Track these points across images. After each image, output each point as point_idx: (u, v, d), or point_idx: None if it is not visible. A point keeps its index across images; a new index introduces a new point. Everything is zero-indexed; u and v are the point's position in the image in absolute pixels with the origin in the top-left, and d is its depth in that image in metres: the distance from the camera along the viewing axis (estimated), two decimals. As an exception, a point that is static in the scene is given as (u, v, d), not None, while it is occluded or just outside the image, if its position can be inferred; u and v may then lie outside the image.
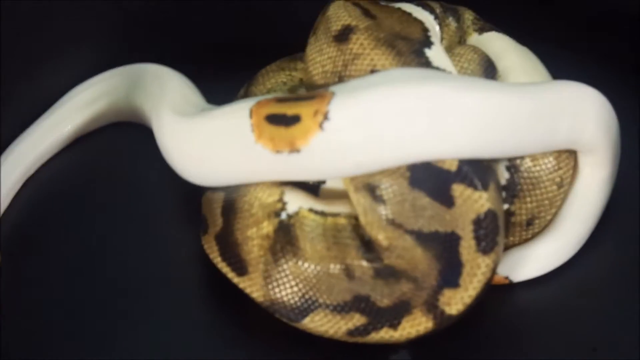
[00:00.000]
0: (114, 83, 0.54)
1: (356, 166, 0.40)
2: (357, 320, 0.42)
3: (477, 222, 0.41)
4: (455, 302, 0.41)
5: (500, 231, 0.41)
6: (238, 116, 0.42)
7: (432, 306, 0.41)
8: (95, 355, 0.44)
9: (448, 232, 0.41)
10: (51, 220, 0.50)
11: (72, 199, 0.51)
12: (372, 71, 0.42)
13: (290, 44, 0.50)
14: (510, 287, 0.45)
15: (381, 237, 0.41)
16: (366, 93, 0.40)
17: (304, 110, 0.40)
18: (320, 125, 0.39)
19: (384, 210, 0.41)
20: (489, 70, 0.46)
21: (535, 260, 0.45)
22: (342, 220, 0.43)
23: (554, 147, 0.43)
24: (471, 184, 0.40)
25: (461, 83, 0.40)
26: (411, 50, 0.43)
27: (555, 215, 0.45)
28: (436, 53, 0.44)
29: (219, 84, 0.53)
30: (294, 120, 0.40)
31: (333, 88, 0.41)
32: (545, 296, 0.45)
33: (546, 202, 0.45)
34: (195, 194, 0.47)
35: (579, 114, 0.43)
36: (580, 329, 0.43)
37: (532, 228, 0.45)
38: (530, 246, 0.45)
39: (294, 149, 0.40)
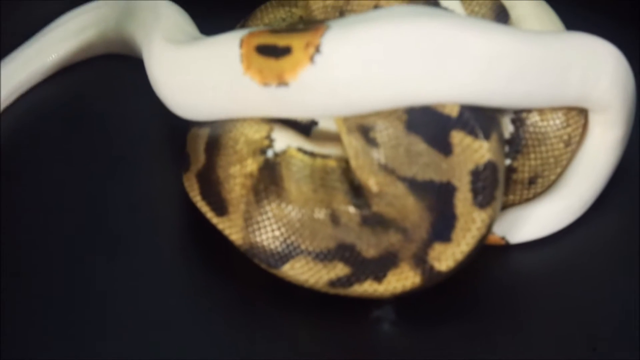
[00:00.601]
0: (104, 12, 0.51)
1: (347, 105, 0.38)
2: (339, 270, 0.39)
3: (476, 173, 0.38)
4: (445, 257, 0.39)
5: (499, 185, 0.39)
6: (228, 45, 0.39)
7: (420, 260, 0.39)
8: (70, 291, 0.41)
9: (443, 181, 0.38)
10: (28, 153, 0.48)
11: (53, 132, 0.49)
12: (376, 7, 0.40)
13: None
14: (506, 249, 0.42)
15: (372, 182, 0.38)
16: (363, 27, 0.37)
17: (295, 41, 0.38)
18: (311, 59, 0.37)
19: (376, 154, 0.38)
20: (501, 16, 0.43)
21: (535, 221, 0.42)
22: (332, 163, 0.40)
23: (563, 102, 0.40)
24: (472, 132, 0.38)
25: (467, 23, 0.37)
26: (419, -7, 0.40)
27: (560, 175, 0.43)
28: (446, -3, 0.41)
29: (215, 20, 0.51)
30: (284, 51, 0.38)
31: (330, 22, 0.38)
32: (543, 260, 0.42)
33: (551, 160, 0.42)
34: (183, 131, 0.45)
35: (592, 68, 0.40)
36: (577, 296, 0.41)
37: (534, 187, 0.43)
38: (530, 206, 0.42)
39: (282, 82, 0.38)
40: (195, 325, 0.40)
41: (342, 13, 0.41)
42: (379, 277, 0.39)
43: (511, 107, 0.39)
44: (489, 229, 0.39)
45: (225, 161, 0.40)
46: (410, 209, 0.38)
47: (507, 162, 0.42)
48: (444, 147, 0.38)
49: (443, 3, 0.40)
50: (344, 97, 0.37)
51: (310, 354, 0.39)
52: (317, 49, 0.37)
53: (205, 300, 0.41)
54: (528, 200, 0.43)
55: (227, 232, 0.40)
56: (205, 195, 0.41)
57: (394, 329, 0.40)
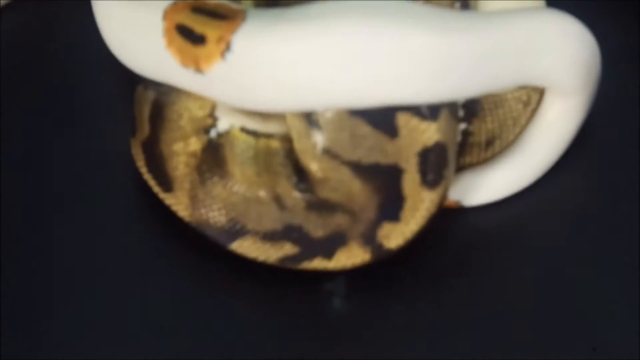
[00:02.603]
0: None
1: (258, 105, 0.36)
2: (288, 249, 0.39)
3: (423, 155, 0.37)
4: (395, 236, 0.38)
5: (449, 164, 0.37)
6: (152, 14, 0.38)
7: (369, 239, 0.38)
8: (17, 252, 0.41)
9: (390, 164, 0.37)
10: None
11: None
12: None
13: None
14: (460, 211, 0.42)
15: (315, 167, 0.37)
16: (277, 28, 0.35)
17: (210, 32, 0.36)
18: (222, 55, 0.35)
19: (319, 138, 0.37)
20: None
21: (490, 185, 0.41)
22: (275, 144, 0.39)
23: (522, 84, 0.38)
24: (418, 113, 0.36)
25: (406, 19, 0.34)
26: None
27: (518, 135, 0.41)
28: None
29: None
30: (199, 40, 0.36)
31: (249, 12, 0.36)
32: (496, 221, 0.42)
33: (509, 122, 0.41)
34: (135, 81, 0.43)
35: (552, 50, 0.37)
36: (532, 259, 0.40)
37: (491, 148, 0.41)
38: (486, 170, 0.41)
39: (198, 69, 0.36)
40: (148, 297, 0.40)
41: None
42: (328, 255, 0.39)
43: (469, 97, 0.37)
44: (439, 206, 0.38)
45: (169, 136, 0.39)
46: (356, 192, 0.37)
47: (463, 126, 0.40)
48: (390, 130, 0.36)
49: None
50: (253, 97, 0.36)
51: (262, 326, 0.39)
52: (228, 46, 0.35)
53: (158, 270, 0.41)
54: (486, 160, 0.42)
55: (174, 208, 0.40)
56: (150, 169, 0.40)
57: (346, 302, 0.40)
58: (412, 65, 0.34)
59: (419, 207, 0.37)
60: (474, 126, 0.40)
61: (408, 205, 0.37)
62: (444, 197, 0.38)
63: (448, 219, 0.41)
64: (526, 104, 0.40)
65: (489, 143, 0.41)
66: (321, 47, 0.34)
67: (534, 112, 0.41)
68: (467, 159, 0.41)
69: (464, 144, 0.41)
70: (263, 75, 0.35)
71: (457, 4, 0.40)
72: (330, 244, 0.38)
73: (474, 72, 0.35)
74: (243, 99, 0.36)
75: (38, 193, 0.43)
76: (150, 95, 0.40)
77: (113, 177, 0.43)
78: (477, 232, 0.41)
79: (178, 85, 0.38)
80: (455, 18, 0.35)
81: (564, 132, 0.41)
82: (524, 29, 0.36)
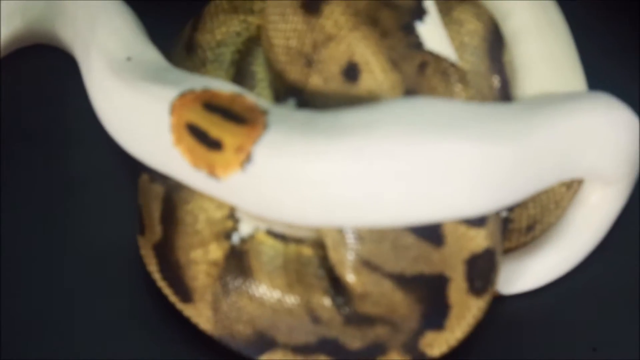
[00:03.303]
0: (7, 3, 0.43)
1: (280, 217, 0.32)
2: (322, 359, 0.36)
3: (471, 262, 0.33)
4: (438, 344, 0.35)
5: (497, 268, 0.34)
6: (158, 107, 0.33)
7: (411, 348, 0.35)
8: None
9: (435, 273, 0.34)
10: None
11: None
12: (350, 63, 0.33)
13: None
14: (498, 298, 0.39)
15: (353, 280, 0.34)
16: (306, 141, 0.31)
17: (227, 138, 0.32)
18: (242, 165, 0.31)
19: (358, 248, 0.33)
20: (495, 45, 0.36)
21: (530, 272, 0.38)
22: (307, 251, 0.35)
23: (566, 179, 0.35)
24: (465, 220, 0.33)
25: (445, 131, 0.30)
26: (399, 25, 0.34)
27: (559, 217, 0.39)
28: (430, 27, 0.34)
29: (164, 13, 0.44)
30: (215, 145, 0.32)
31: (273, 114, 0.32)
32: (535, 306, 0.39)
33: (551, 205, 0.38)
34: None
35: (599, 147, 0.34)
36: (571, 343, 0.38)
37: (532, 232, 0.38)
38: (525, 257, 0.38)
39: (213, 174, 0.32)
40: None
41: (309, 62, 0.34)
42: (365, 363, 0.36)
43: (516, 202, 0.34)
44: (485, 312, 0.35)
45: (185, 242, 0.35)
46: (398, 303, 0.34)
47: (504, 214, 0.37)
48: (436, 239, 0.33)
49: (428, 43, 0.34)
50: (278, 210, 0.32)
51: None
52: (249, 157, 0.31)
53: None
54: (525, 244, 0.39)
55: (194, 320, 0.36)
56: (165, 276, 0.36)
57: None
58: (458, 180, 0.31)
59: (465, 315, 0.35)
60: (515, 213, 0.37)
61: (454, 314, 0.34)
62: (490, 301, 0.35)
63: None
64: (569, 186, 0.37)
65: (530, 228, 0.38)
66: (358, 166, 0.30)
67: (575, 192, 0.38)
68: (506, 245, 0.38)
69: (504, 231, 0.38)
70: (288, 191, 0.31)
71: (496, 80, 0.37)
72: (368, 354, 0.35)
73: (522, 178, 0.32)
74: (263, 209, 0.32)
75: (37, 298, 0.39)
76: (159, 190, 0.37)
77: (119, 277, 0.39)
78: (516, 320, 0.39)
79: (187, 184, 0.35)
80: (500, 121, 0.32)
81: (606, 216, 0.38)
82: (570, 126, 0.33)
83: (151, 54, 0.38)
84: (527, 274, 0.38)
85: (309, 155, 0.31)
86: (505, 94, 0.37)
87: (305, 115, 0.32)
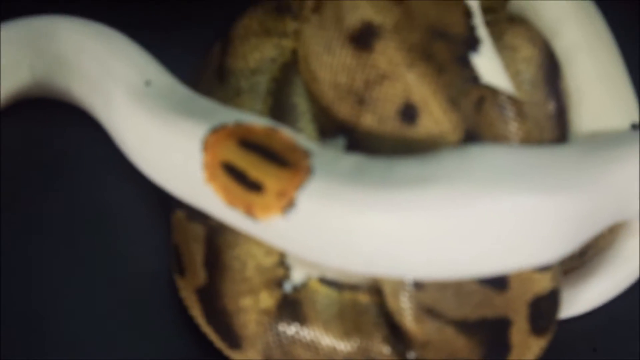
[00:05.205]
0: (11, 55, 0.38)
1: (323, 263, 0.31)
2: (378, 403, 0.35)
3: (535, 304, 0.32)
4: (496, 382, 0.34)
5: (560, 306, 0.33)
6: (189, 144, 0.32)
7: (468, 387, 0.34)
8: None
9: (497, 317, 0.32)
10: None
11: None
12: (407, 103, 0.32)
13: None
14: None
15: (414, 328, 0.32)
16: (355, 193, 0.29)
17: (269, 182, 0.30)
18: (284, 210, 0.30)
19: (419, 296, 0.32)
20: (551, 72, 0.34)
21: (582, 298, 0.37)
22: (364, 298, 0.33)
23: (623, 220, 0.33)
24: (531, 263, 0.32)
25: (503, 185, 0.29)
26: (454, 58, 0.32)
27: (610, 243, 0.38)
28: (485, 58, 0.33)
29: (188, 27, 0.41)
30: (254, 186, 0.30)
31: (318, 157, 0.30)
32: (582, 329, 0.38)
33: (605, 231, 0.37)
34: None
35: None
36: None
37: (585, 256, 0.37)
38: (577, 282, 0.37)
39: (251, 215, 0.30)
40: None
41: (361, 101, 0.32)
42: (422, 404, 0.35)
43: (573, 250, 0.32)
44: (544, 350, 0.34)
45: (234, 289, 0.34)
46: (460, 348, 0.33)
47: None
48: (500, 284, 0.32)
49: (484, 76, 0.32)
50: (321, 257, 0.30)
51: None
52: (291, 203, 0.29)
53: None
54: (576, 268, 0.38)
55: (243, 366, 0.35)
56: (211, 321, 0.35)
57: None
58: (521, 233, 0.29)
59: (525, 354, 0.33)
60: (569, 241, 0.36)
61: (514, 354, 0.33)
62: (550, 340, 0.34)
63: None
64: (623, 211, 0.37)
65: (583, 253, 0.37)
66: (412, 222, 0.29)
67: (629, 217, 0.37)
68: (558, 270, 0.38)
69: (556, 259, 0.37)
70: (332, 242, 0.30)
71: (552, 107, 0.35)
72: (426, 394, 0.35)
73: (585, 225, 0.30)
74: (305, 254, 0.31)
75: (69, 341, 0.37)
76: (199, 230, 0.35)
77: (156, 319, 0.37)
78: (564, 343, 0.38)
79: (223, 221, 0.33)
80: (562, 170, 0.30)
81: None
82: (628, 171, 0.31)
83: (169, 79, 0.36)
84: (579, 298, 0.37)
85: (357, 208, 0.29)
86: (561, 122, 0.35)
87: (354, 161, 0.30)
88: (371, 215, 0.29)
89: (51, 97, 0.39)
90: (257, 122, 0.32)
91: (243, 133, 0.31)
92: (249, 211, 0.31)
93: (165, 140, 0.33)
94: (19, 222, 0.39)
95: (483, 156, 0.30)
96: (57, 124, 0.41)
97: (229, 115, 0.32)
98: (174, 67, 0.39)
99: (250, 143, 0.31)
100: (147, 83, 0.35)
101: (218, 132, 0.32)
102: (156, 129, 0.33)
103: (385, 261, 0.29)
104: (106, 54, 0.37)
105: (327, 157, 0.31)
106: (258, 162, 0.31)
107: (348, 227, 0.29)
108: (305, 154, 0.31)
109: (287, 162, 0.30)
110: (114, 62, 0.36)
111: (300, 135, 0.32)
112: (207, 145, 0.31)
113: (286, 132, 0.31)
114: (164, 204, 0.40)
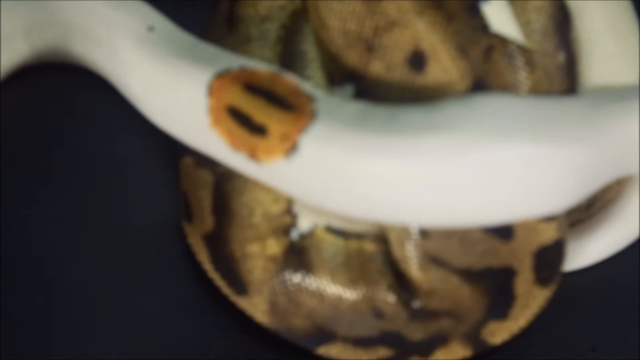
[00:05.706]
0: (7, 26, 0.38)
1: (326, 208, 0.31)
2: (382, 352, 0.35)
3: (540, 254, 0.32)
4: (500, 332, 0.34)
5: (565, 256, 0.34)
6: (194, 88, 0.32)
7: (472, 337, 0.34)
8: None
9: (502, 266, 0.33)
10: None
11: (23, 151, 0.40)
12: (416, 51, 0.31)
13: None
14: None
15: (420, 277, 0.33)
16: (359, 138, 0.29)
17: (273, 125, 0.30)
18: (286, 154, 0.30)
19: (424, 245, 0.32)
20: (562, 22, 0.34)
21: (589, 250, 0.37)
22: (369, 246, 0.34)
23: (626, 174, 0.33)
24: (537, 213, 0.32)
25: (508, 133, 0.29)
26: (464, 6, 0.32)
27: (618, 193, 0.37)
28: (495, 7, 0.32)
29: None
30: (259, 130, 0.30)
31: (321, 102, 0.30)
32: (591, 281, 0.38)
33: (614, 183, 0.37)
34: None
35: None
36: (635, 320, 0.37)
37: (591, 208, 0.37)
38: (584, 235, 0.37)
39: (254, 158, 0.31)
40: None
41: (370, 48, 0.32)
42: (425, 354, 0.35)
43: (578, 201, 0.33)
44: (549, 300, 0.34)
45: (241, 236, 0.34)
46: (464, 297, 0.33)
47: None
48: (505, 233, 0.32)
49: (494, 25, 0.32)
50: (324, 201, 0.30)
51: None
52: (294, 147, 0.30)
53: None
54: (583, 220, 0.38)
55: (249, 312, 0.35)
56: (218, 267, 0.35)
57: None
58: (524, 184, 0.29)
59: (530, 304, 0.34)
60: (576, 193, 0.36)
61: (518, 304, 0.34)
62: (555, 290, 0.34)
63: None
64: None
65: (590, 205, 0.37)
66: (413, 169, 0.29)
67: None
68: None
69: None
70: (334, 186, 0.30)
71: (563, 58, 0.35)
72: (429, 344, 0.34)
73: (591, 177, 0.30)
74: (306, 198, 0.31)
75: (75, 284, 0.38)
76: (207, 177, 0.35)
77: (163, 264, 0.37)
78: (572, 295, 0.38)
79: (227, 165, 0.33)
80: (569, 121, 0.30)
81: None
82: (633, 126, 0.31)
83: (171, 26, 0.36)
84: (584, 251, 0.37)
85: (359, 153, 0.29)
86: (571, 72, 0.35)
87: (358, 107, 0.30)
88: (372, 160, 0.29)
89: (51, 62, 0.39)
90: (261, 67, 0.32)
91: (247, 77, 0.31)
92: (253, 154, 0.31)
93: (170, 84, 0.33)
94: (30, 174, 0.39)
95: (489, 105, 0.30)
96: (61, 84, 0.41)
97: (233, 61, 0.32)
98: (184, 27, 0.39)
99: (254, 87, 0.31)
100: (150, 29, 0.35)
101: (223, 77, 0.32)
102: (161, 74, 0.33)
103: (386, 207, 0.30)
104: (104, 6, 0.36)
105: (331, 103, 0.31)
106: (262, 106, 0.31)
107: (349, 171, 0.29)
108: (309, 98, 0.31)
109: (291, 106, 0.30)
110: (114, 12, 0.36)
111: (304, 82, 0.32)
112: (212, 90, 0.31)
113: (290, 77, 0.31)
114: (172, 153, 0.40)
